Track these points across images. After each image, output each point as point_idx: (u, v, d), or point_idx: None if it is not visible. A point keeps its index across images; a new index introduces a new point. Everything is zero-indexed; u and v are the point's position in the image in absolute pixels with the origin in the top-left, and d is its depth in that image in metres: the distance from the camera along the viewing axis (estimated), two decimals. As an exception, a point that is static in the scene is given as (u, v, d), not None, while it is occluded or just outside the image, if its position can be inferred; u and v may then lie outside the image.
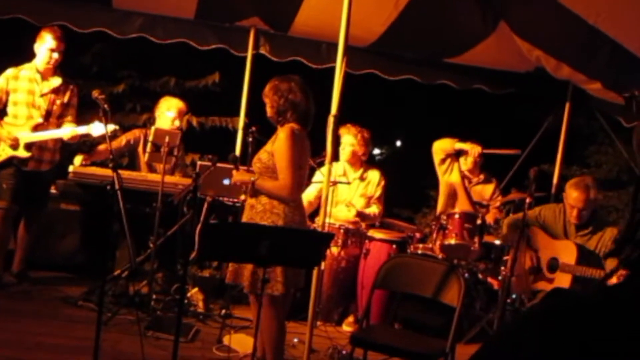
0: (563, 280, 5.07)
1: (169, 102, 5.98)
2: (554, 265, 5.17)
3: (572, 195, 5.15)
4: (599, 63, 5.47)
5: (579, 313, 1.09)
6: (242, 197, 5.15)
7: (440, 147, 6.28)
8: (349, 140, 6.08)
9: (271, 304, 3.93)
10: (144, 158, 5.94)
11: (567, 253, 5.09)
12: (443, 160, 6.29)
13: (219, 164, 4.95)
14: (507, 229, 5.56)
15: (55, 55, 5.49)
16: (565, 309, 1.11)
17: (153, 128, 5.56)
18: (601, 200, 5.48)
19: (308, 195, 5.81)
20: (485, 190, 6.36)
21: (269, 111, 4.09)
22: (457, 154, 6.29)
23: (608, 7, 4.79)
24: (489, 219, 6.21)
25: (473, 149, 6.14)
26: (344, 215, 6.03)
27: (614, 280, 1.65)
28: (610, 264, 4.94)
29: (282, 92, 4.01)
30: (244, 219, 4.08)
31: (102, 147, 5.89)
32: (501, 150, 6.22)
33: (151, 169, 5.96)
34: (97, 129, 5.34)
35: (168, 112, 5.89)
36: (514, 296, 5.58)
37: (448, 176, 6.30)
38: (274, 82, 4.08)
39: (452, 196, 6.29)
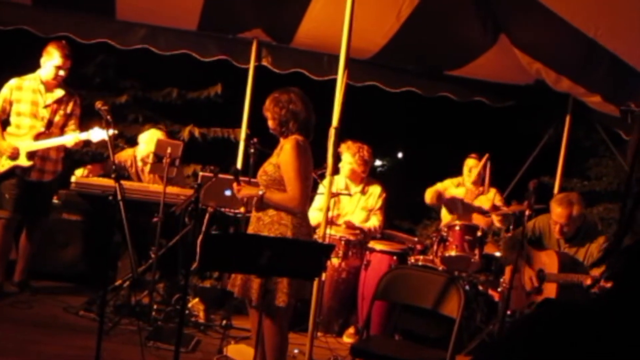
0: (550, 290, 5.10)
1: (149, 132, 6.05)
2: (541, 277, 5.20)
3: (556, 211, 5.18)
4: (599, 76, 5.50)
5: (566, 323, 1.12)
6: (242, 209, 5.16)
7: (430, 199, 6.40)
8: (348, 159, 6.09)
9: (275, 315, 3.91)
10: (134, 177, 6.02)
11: (550, 263, 5.14)
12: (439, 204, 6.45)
13: (220, 175, 4.98)
14: (506, 250, 5.57)
15: (62, 72, 5.51)
16: (553, 318, 1.13)
17: (155, 139, 5.60)
18: (587, 215, 5.49)
19: (320, 205, 5.73)
20: (486, 201, 6.36)
21: (271, 124, 4.07)
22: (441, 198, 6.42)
23: (607, 21, 4.82)
24: (496, 222, 6.25)
25: (467, 192, 6.24)
26: (343, 229, 6.03)
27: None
28: (596, 272, 4.97)
29: (283, 103, 4.00)
30: (250, 231, 4.05)
31: (90, 167, 5.91)
32: (480, 166, 6.28)
33: (139, 181, 6.03)
34: (96, 134, 5.37)
35: (141, 144, 5.98)
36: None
37: (451, 192, 6.39)
38: (274, 95, 4.09)
39: (458, 208, 6.36)
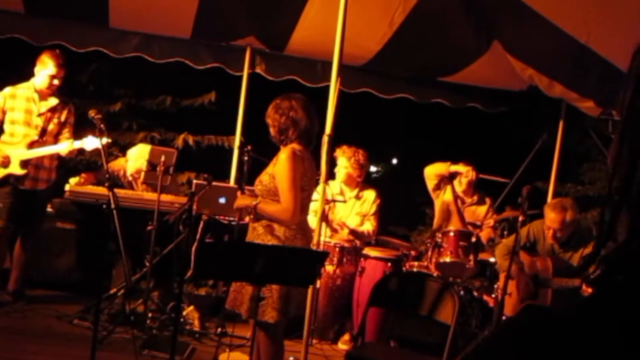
0: (546, 295, 5.11)
1: (138, 148, 6.03)
2: (537, 282, 5.22)
3: (549, 216, 5.21)
4: (591, 81, 5.53)
5: (548, 329, 1.12)
6: (247, 218, 5.16)
7: (434, 172, 6.30)
8: (343, 163, 6.10)
9: (267, 328, 3.86)
10: (128, 186, 6.01)
11: (544, 268, 5.16)
12: (437, 186, 6.33)
13: (214, 183, 4.97)
14: (500, 257, 5.57)
15: (56, 82, 5.52)
16: (535, 325, 1.14)
17: (149, 147, 5.59)
18: (581, 220, 5.50)
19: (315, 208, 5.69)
20: (479, 211, 6.37)
21: (271, 131, 3.99)
22: (451, 177, 6.33)
23: (599, 27, 4.85)
24: (483, 237, 6.23)
25: (468, 172, 6.18)
26: (337, 234, 6.03)
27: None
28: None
29: (283, 109, 3.91)
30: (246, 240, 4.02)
31: (84, 175, 5.89)
32: (493, 177, 6.25)
33: (133, 190, 6.03)
34: (90, 142, 5.36)
35: (130, 160, 5.95)
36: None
37: (442, 196, 6.34)
38: (276, 101, 3.99)
39: (446, 213, 6.33)
